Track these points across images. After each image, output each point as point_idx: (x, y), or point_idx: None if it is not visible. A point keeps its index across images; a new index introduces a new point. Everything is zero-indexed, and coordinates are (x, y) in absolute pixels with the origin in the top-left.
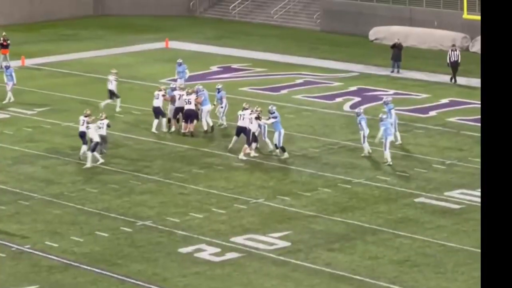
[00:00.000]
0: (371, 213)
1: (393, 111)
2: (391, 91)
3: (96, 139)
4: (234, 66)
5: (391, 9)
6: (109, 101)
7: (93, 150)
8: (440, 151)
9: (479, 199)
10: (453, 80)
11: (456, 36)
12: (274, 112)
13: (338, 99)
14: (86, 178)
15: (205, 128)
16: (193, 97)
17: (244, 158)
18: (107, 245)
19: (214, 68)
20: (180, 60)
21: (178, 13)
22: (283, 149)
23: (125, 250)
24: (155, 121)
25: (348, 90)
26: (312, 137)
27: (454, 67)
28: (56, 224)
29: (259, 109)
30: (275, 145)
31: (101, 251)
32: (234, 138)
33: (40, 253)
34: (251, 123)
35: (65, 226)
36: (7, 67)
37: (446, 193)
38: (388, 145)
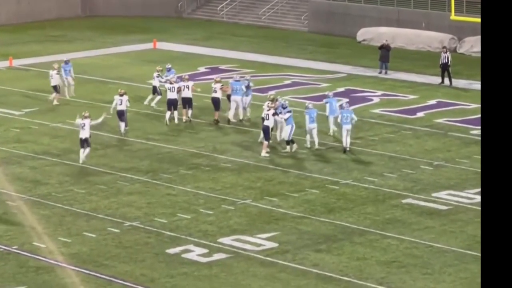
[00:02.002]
0: (358, 214)
1: (334, 103)
2: (379, 92)
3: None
4: (222, 67)
5: (379, 10)
6: (152, 96)
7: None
8: (428, 152)
9: (466, 200)
10: (445, 82)
11: (444, 37)
12: (286, 107)
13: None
14: (74, 179)
15: (241, 117)
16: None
17: (267, 155)
18: (94, 246)
19: (201, 69)
20: (169, 65)
21: (166, 14)
22: (292, 142)
23: (113, 250)
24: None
25: (336, 91)
26: (299, 138)
27: (443, 69)
28: (43, 225)
29: (272, 103)
30: (287, 141)
31: (88, 251)
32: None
33: (28, 254)
34: (268, 119)
35: (52, 226)
36: None
37: (433, 194)
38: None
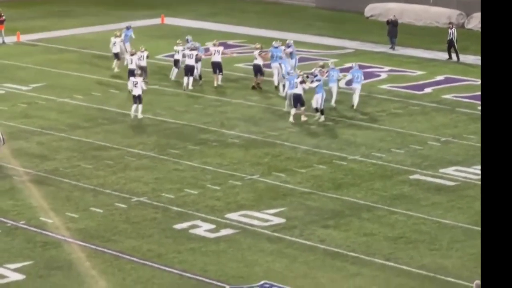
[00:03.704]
0: (366, 190)
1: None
2: (387, 68)
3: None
4: (230, 42)
5: None
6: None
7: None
8: (436, 128)
9: (474, 176)
10: (452, 58)
11: (452, 13)
12: (317, 75)
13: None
14: (81, 154)
15: (276, 83)
16: (221, 48)
17: (306, 119)
18: (101, 221)
19: (209, 45)
20: (189, 37)
21: None
22: (322, 112)
23: (120, 226)
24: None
25: (344, 66)
26: (307, 113)
27: (449, 45)
28: (50, 200)
29: (300, 72)
30: (316, 108)
31: (95, 227)
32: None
33: (35, 229)
34: (296, 87)
35: (59, 202)
36: None
37: (441, 170)
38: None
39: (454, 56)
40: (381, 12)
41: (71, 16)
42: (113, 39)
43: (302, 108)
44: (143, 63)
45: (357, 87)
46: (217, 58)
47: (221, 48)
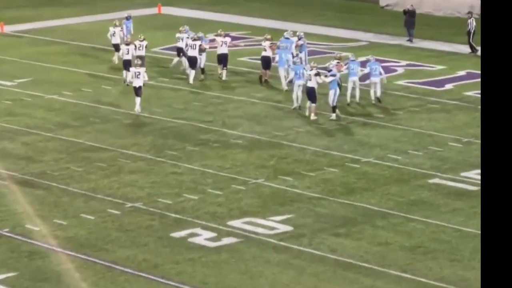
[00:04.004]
0: (381, 195)
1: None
2: (404, 62)
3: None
4: (232, 34)
5: None
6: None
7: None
8: (457, 127)
9: None
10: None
11: (474, 2)
12: (331, 70)
13: (346, 71)
14: (70, 156)
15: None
16: (228, 39)
17: (315, 117)
18: (93, 229)
19: (210, 37)
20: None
21: None
22: (334, 109)
23: (113, 234)
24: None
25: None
26: (317, 111)
27: (468, 37)
28: (37, 206)
29: (315, 64)
30: (332, 107)
31: (86, 235)
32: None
33: (20, 238)
34: (310, 79)
35: (47, 208)
36: None
37: (462, 174)
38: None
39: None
40: (397, 1)
41: (60, 5)
42: (111, 29)
43: (313, 105)
44: (142, 53)
45: (376, 80)
46: (224, 49)
47: (228, 39)
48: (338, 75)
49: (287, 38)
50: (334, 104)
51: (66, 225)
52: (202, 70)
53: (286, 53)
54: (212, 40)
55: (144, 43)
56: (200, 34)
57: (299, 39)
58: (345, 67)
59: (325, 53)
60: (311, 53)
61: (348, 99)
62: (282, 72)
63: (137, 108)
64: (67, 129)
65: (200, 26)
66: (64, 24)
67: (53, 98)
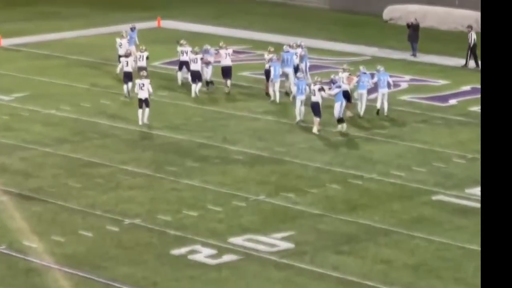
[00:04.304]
0: (384, 212)
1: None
2: (407, 77)
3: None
4: (234, 48)
5: None
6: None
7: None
8: (461, 143)
9: None
10: (468, 64)
11: (479, 16)
12: (336, 82)
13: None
14: (68, 172)
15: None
16: (230, 50)
17: (318, 131)
18: (91, 246)
19: (211, 50)
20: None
21: None
22: (340, 121)
23: (112, 251)
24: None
25: None
26: (319, 127)
27: (468, 50)
28: (34, 222)
29: (319, 79)
30: (337, 119)
31: (84, 252)
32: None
33: (17, 254)
34: (314, 95)
35: (45, 224)
36: None
37: (467, 191)
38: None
39: (473, 62)
40: (401, 15)
41: (58, 19)
42: (118, 40)
43: (318, 120)
44: (143, 63)
45: (384, 92)
46: (228, 61)
47: (230, 50)
48: (345, 87)
49: (287, 52)
50: (340, 116)
51: (64, 242)
52: (208, 83)
53: (279, 67)
54: (217, 53)
55: (145, 53)
56: (207, 47)
57: (301, 48)
58: (356, 79)
59: (327, 67)
60: (314, 68)
61: (361, 112)
62: (277, 86)
63: (145, 120)
64: (65, 144)
65: (200, 40)
66: (62, 38)
67: (51, 113)
